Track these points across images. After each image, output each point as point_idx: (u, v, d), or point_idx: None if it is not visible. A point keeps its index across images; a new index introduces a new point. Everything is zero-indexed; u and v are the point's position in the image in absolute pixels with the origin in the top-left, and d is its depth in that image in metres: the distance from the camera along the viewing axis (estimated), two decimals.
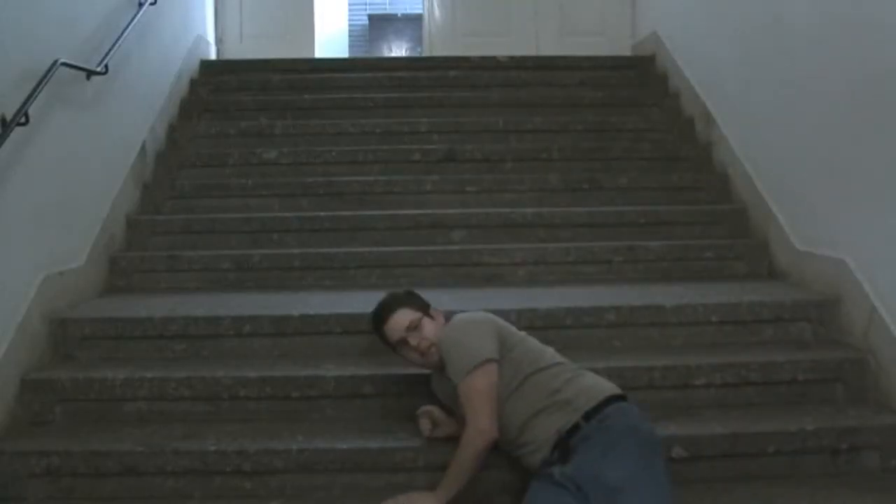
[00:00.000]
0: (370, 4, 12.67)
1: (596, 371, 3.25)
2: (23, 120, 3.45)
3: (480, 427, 2.85)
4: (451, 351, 3.01)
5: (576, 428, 2.83)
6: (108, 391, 3.46)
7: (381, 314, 3.20)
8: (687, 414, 3.39)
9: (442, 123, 5.76)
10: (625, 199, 5.08)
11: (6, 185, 3.44)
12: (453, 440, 3.00)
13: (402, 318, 3.14)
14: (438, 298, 3.53)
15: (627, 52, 7.29)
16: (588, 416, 2.84)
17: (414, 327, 3.12)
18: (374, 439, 3.23)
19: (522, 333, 3.16)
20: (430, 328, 3.14)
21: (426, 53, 7.91)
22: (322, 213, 4.88)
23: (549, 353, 3.10)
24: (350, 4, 10.84)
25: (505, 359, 3.00)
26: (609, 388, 2.98)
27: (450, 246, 4.65)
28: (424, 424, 3.21)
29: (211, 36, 7.41)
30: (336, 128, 5.70)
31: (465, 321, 3.12)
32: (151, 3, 5.30)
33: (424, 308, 3.23)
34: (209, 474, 3.15)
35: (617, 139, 5.67)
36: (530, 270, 4.53)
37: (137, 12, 5.04)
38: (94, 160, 4.46)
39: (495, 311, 3.65)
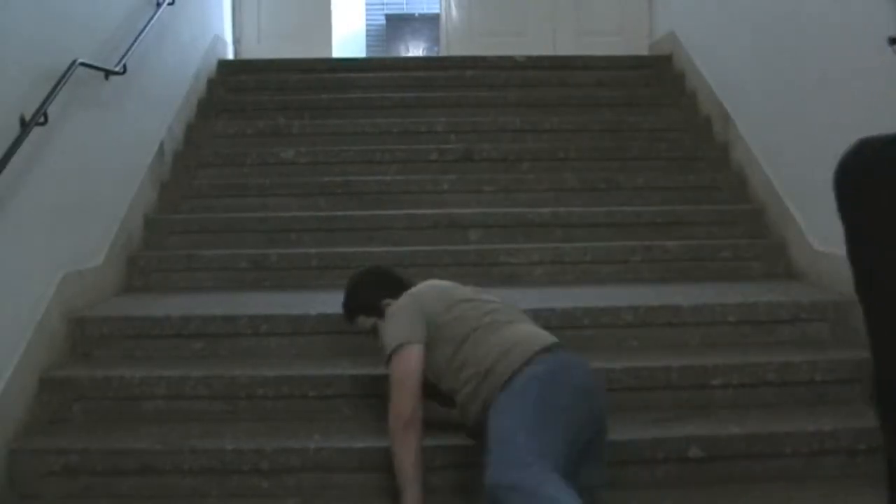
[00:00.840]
0: (387, 4, 12.69)
1: (612, 372, 3.25)
2: (42, 120, 3.48)
3: (394, 412, 2.92)
4: (381, 333, 3.11)
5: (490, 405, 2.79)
6: (126, 390, 3.47)
7: (345, 318, 3.40)
8: (704, 414, 3.38)
9: (459, 123, 5.76)
10: (642, 198, 5.06)
11: (25, 185, 3.46)
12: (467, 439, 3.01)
13: (361, 324, 3.32)
14: None
15: (644, 52, 7.26)
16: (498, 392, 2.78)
17: (374, 332, 3.23)
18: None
19: (463, 304, 3.07)
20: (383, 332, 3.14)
21: (443, 53, 7.90)
22: (339, 213, 4.89)
23: (474, 318, 3.02)
24: (367, 4, 10.84)
25: (439, 336, 2.99)
26: (518, 354, 2.83)
27: (467, 246, 4.65)
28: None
29: (228, 36, 7.44)
30: (353, 127, 5.71)
31: (389, 313, 3.12)
32: (169, 4, 5.33)
33: (377, 307, 3.23)
34: (226, 473, 3.16)
35: (634, 139, 5.66)
36: (547, 270, 4.52)
37: (155, 12, 5.06)
38: (113, 160, 4.48)
39: None
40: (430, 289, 3.18)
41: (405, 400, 2.91)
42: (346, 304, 3.39)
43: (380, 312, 3.20)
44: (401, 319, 3.05)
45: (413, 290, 3.18)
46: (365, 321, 3.28)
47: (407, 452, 2.89)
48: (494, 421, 2.65)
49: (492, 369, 2.83)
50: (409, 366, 2.95)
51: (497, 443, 2.55)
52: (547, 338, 2.92)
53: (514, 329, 2.97)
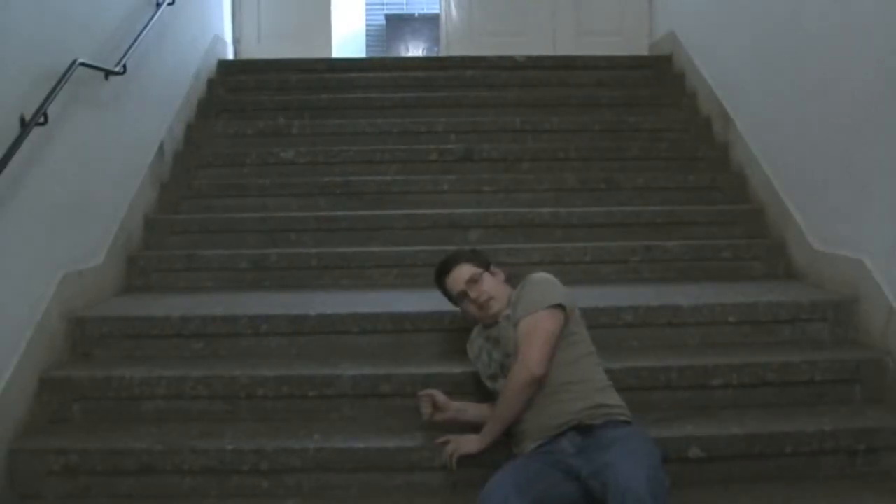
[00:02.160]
0: (387, 4, 12.68)
1: (613, 371, 3.25)
2: (42, 120, 3.48)
3: (528, 362, 2.93)
4: (530, 289, 3.15)
5: (597, 427, 2.88)
6: (125, 390, 3.47)
7: (444, 268, 3.39)
8: (704, 414, 3.38)
9: (459, 123, 5.76)
10: (642, 198, 5.06)
11: (25, 185, 3.46)
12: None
13: (463, 272, 3.32)
14: None
15: (644, 52, 7.27)
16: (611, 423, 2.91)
17: (475, 281, 3.27)
18: (391, 439, 3.23)
19: (583, 323, 3.25)
20: (489, 283, 3.31)
21: (443, 53, 7.89)
22: (339, 213, 4.89)
23: (595, 357, 3.19)
24: (367, 4, 10.84)
25: (566, 325, 3.08)
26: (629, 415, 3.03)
27: (467, 245, 4.64)
28: (425, 408, 3.20)
29: (228, 36, 7.44)
30: (353, 127, 5.71)
31: (548, 276, 3.25)
32: (169, 4, 5.33)
33: (486, 265, 3.38)
34: (226, 473, 3.16)
35: (634, 139, 5.66)
36: (547, 270, 4.49)
37: (155, 13, 5.06)
38: (113, 160, 4.48)
39: None
40: None
41: (541, 353, 2.95)
42: (457, 250, 3.56)
43: (487, 267, 3.38)
44: (559, 287, 3.16)
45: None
46: (468, 268, 3.33)
47: (520, 406, 2.95)
48: (640, 443, 2.78)
49: (617, 406, 3.00)
50: (557, 325, 3.02)
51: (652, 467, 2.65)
52: None
53: None
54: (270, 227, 4.81)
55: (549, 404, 2.95)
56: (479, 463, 3.01)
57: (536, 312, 3.01)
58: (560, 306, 3.05)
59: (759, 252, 4.58)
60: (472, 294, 3.26)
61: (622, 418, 2.94)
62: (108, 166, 4.41)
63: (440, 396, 3.20)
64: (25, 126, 3.36)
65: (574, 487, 2.73)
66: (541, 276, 3.24)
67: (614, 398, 3.03)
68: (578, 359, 3.05)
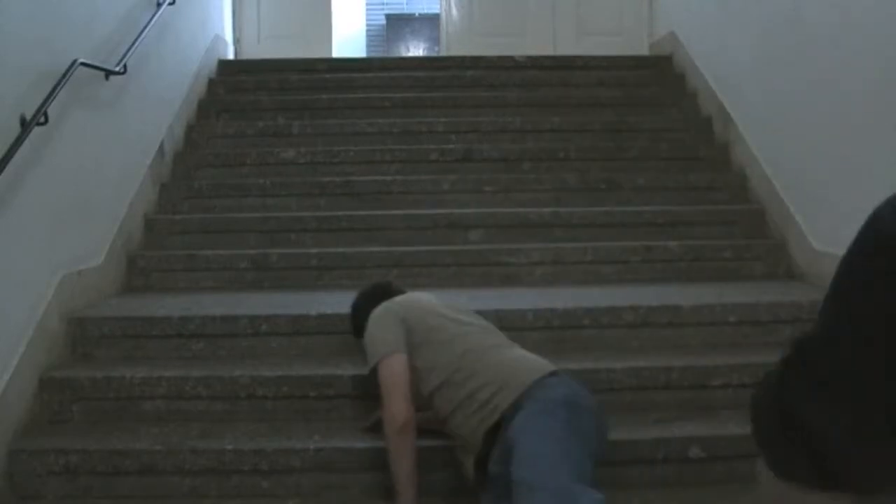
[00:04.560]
0: (387, 4, 12.66)
1: (613, 372, 3.24)
2: (42, 120, 3.48)
3: (387, 414, 2.92)
4: (366, 340, 3.12)
5: (496, 426, 2.81)
6: (125, 390, 3.47)
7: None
8: (704, 414, 3.38)
9: (459, 123, 5.76)
10: (642, 199, 5.06)
11: (25, 185, 3.46)
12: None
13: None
14: (455, 298, 3.54)
15: (645, 52, 7.27)
16: (505, 413, 2.80)
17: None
18: None
19: (440, 318, 3.13)
20: None
21: (443, 53, 7.90)
22: (339, 213, 4.89)
23: (465, 343, 3.04)
24: (367, 4, 10.84)
25: (421, 346, 3.03)
26: (526, 376, 2.85)
27: (467, 246, 4.65)
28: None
29: (229, 36, 7.44)
30: (353, 127, 5.71)
31: (372, 318, 3.16)
32: (170, 3, 5.33)
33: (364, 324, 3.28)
34: (226, 473, 3.16)
35: (634, 139, 5.65)
36: (547, 270, 4.52)
37: (156, 12, 5.06)
38: (113, 160, 4.48)
39: (512, 312, 3.69)
40: (406, 299, 3.25)
41: (397, 403, 2.91)
42: (355, 306, 3.46)
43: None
44: (386, 326, 3.08)
45: (391, 301, 3.23)
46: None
47: (402, 457, 2.90)
48: (528, 437, 2.64)
49: (505, 384, 2.83)
50: (396, 370, 2.97)
51: (537, 464, 2.56)
52: (548, 363, 2.95)
53: (519, 351, 3.05)
54: (271, 227, 4.81)
55: (457, 442, 2.97)
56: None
57: (373, 370, 3.02)
58: (389, 354, 3.00)
59: (760, 252, 4.58)
60: None
61: (510, 400, 2.79)
62: (108, 166, 4.41)
63: None
64: (26, 126, 3.36)
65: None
66: (372, 318, 3.16)
67: (498, 377, 2.88)
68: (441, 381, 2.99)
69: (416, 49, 12.17)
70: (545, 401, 2.73)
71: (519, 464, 2.56)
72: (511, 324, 3.50)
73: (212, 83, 6.41)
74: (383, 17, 12.40)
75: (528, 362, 2.95)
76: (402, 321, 3.09)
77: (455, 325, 3.10)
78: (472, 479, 2.92)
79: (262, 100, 6.16)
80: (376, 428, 3.13)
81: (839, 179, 3.98)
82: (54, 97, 3.58)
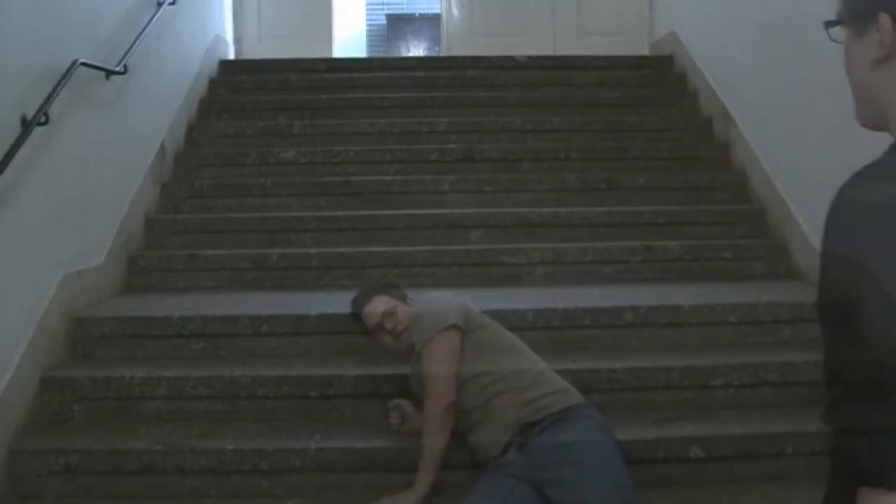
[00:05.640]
0: (388, 4, 12.65)
1: (613, 372, 3.25)
2: (43, 120, 3.48)
3: (436, 391, 2.95)
4: (418, 319, 3.14)
5: (537, 423, 2.88)
6: (126, 390, 3.48)
7: (360, 300, 3.36)
8: (704, 414, 3.38)
9: (459, 123, 5.76)
10: (643, 198, 5.06)
11: (26, 185, 3.46)
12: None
13: (378, 304, 3.28)
14: None
15: (645, 52, 7.26)
16: (551, 415, 2.90)
17: (389, 313, 3.23)
18: (391, 438, 3.24)
19: (495, 324, 3.23)
20: (404, 314, 3.24)
21: (444, 53, 7.90)
22: (340, 213, 4.89)
23: (518, 349, 3.16)
24: (368, 4, 10.83)
25: (470, 337, 3.08)
26: (574, 395, 3.01)
27: (467, 246, 4.65)
28: (394, 418, 3.26)
29: (229, 36, 7.43)
30: (354, 127, 5.70)
31: (433, 296, 3.27)
32: (170, 3, 5.33)
33: (402, 297, 3.35)
34: (227, 473, 3.16)
35: (635, 139, 5.65)
36: (548, 270, 4.52)
37: (156, 12, 5.06)
38: (114, 159, 4.48)
39: (513, 311, 3.69)
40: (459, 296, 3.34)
41: (446, 382, 2.96)
42: (371, 283, 3.55)
43: (402, 299, 3.32)
44: (451, 305, 3.15)
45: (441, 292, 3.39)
46: (384, 300, 3.29)
47: (443, 434, 2.95)
48: (595, 452, 2.80)
49: (557, 391, 2.97)
50: (453, 347, 3.03)
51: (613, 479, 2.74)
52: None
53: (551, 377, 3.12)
54: (271, 228, 4.81)
55: (482, 423, 2.98)
56: (478, 465, 3.01)
57: (431, 340, 3.03)
58: (454, 326, 3.05)
59: (760, 252, 4.57)
60: (388, 325, 3.24)
61: (562, 406, 2.92)
62: (108, 166, 4.41)
63: (408, 407, 3.25)
64: (27, 126, 3.36)
65: (529, 489, 2.78)
66: (432, 296, 3.27)
67: (550, 384, 3.02)
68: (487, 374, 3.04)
69: (416, 49, 12.18)
70: (599, 419, 2.93)
71: (587, 471, 2.73)
72: (511, 324, 3.49)
73: (212, 83, 6.40)
74: (384, 17, 12.40)
75: (563, 383, 3.08)
76: (463, 305, 3.17)
77: (504, 331, 3.21)
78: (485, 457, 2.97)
79: (262, 100, 6.16)
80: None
81: (839, 179, 3.96)
82: (55, 97, 3.58)
